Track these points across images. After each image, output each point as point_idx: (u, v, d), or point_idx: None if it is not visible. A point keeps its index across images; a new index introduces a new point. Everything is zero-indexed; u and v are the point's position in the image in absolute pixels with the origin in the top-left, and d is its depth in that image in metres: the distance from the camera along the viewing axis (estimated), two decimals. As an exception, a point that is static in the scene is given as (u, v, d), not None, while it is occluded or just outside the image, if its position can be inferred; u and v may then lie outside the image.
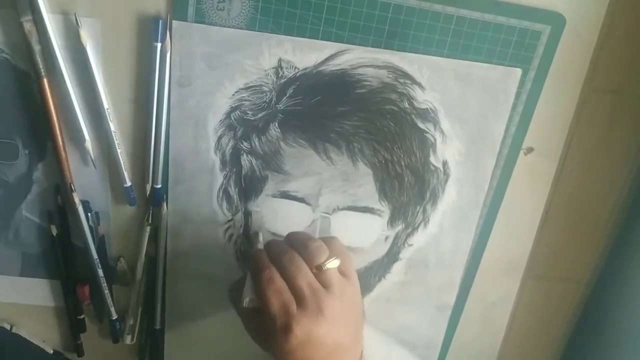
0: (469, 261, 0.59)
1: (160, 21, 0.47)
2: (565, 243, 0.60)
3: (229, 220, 0.56)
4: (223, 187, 0.54)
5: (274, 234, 0.56)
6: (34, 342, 0.61)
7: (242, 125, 0.52)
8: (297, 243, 0.48)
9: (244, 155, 0.53)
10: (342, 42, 0.49)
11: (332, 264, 0.47)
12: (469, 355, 0.65)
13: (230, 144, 0.52)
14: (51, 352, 0.62)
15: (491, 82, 0.52)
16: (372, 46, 0.49)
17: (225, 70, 0.49)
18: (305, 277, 0.45)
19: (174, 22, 0.47)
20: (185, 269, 0.58)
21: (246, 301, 0.46)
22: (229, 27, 0.48)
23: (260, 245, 0.53)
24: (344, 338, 0.46)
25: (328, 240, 0.49)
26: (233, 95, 0.50)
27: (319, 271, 0.46)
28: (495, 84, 0.52)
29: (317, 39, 0.49)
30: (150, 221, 0.55)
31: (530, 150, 0.55)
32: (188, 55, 0.49)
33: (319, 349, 0.45)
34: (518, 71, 0.51)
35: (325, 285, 0.45)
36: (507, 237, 0.59)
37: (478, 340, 0.65)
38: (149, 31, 0.48)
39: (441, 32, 0.50)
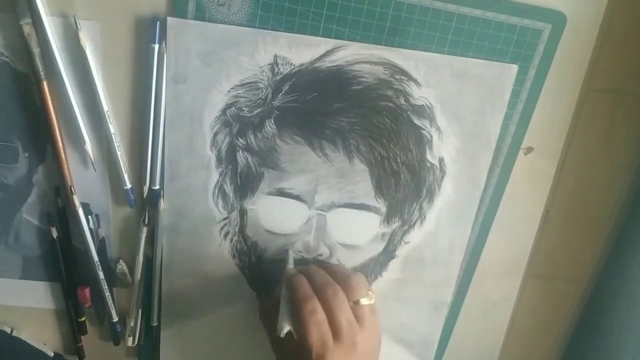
0: (468, 260, 0.59)
1: (158, 22, 0.47)
2: (566, 242, 0.60)
3: (225, 218, 0.56)
4: (219, 184, 0.54)
5: (269, 231, 0.56)
6: (34, 345, 0.61)
7: (238, 122, 0.52)
8: (339, 276, 0.50)
9: (240, 151, 0.53)
10: (342, 39, 0.49)
11: (367, 300, 0.49)
12: (469, 355, 0.65)
13: (226, 141, 0.52)
14: (52, 355, 0.62)
15: (487, 78, 0.52)
16: (372, 43, 0.50)
17: (221, 66, 0.50)
18: (345, 313, 0.48)
19: (169, 19, 0.48)
20: (181, 267, 0.58)
21: (283, 332, 0.48)
22: (230, 23, 0.48)
23: (291, 265, 0.54)
24: None
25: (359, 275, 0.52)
26: (228, 91, 0.51)
27: (355, 306, 0.49)
28: (491, 80, 0.52)
29: (318, 35, 0.49)
30: (147, 222, 0.55)
31: (530, 149, 0.55)
32: (183, 52, 0.49)
33: None
34: (514, 67, 0.51)
35: (358, 319, 0.48)
36: (507, 237, 0.59)
37: (479, 340, 0.65)
38: (147, 32, 0.48)
39: (442, 29, 0.50)
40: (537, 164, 0.56)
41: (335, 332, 0.47)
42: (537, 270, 0.61)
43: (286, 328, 0.48)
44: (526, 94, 0.53)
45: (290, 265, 0.54)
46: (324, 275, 0.50)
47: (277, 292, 0.53)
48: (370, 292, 0.50)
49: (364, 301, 0.49)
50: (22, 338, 0.60)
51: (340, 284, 0.49)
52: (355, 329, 0.48)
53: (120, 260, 0.57)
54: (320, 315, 0.47)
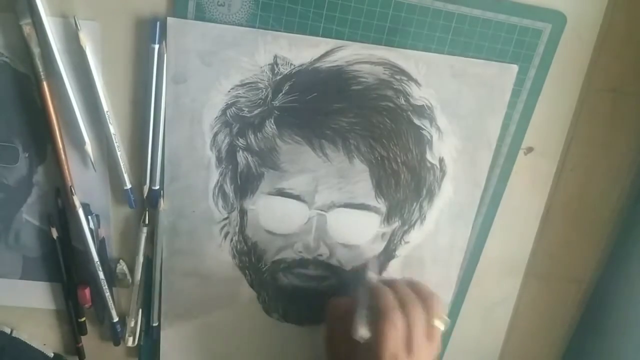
0: (468, 260, 0.59)
1: (158, 22, 0.47)
2: (566, 242, 0.60)
3: (225, 219, 0.56)
4: (219, 184, 0.54)
5: (270, 232, 0.56)
6: (34, 345, 0.61)
7: (238, 122, 0.52)
8: (421, 293, 0.51)
9: (240, 152, 0.53)
10: (342, 39, 0.49)
11: (440, 324, 0.50)
12: (470, 355, 0.65)
13: (226, 141, 0.52)
14: (52, 355, 0.62)
15: (487, 78, 0.52)
16: (372, 43, 0.50)
17: (221, 66, 0.50)
18: (420, 330, 0.49)
19: (169, 19, 0.48)
20: (181, 267, 0.58)
21: (361, 337, 0.49)
22: (229, 23, 0.48)
23: (374, 272, 0.55)
24: None
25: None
26: (229, 92, 0.51)
27: (428, 326, 0.50)
28: (492, 80, 0.52)
29: (318, 35, 0.49)
30: (147, 222, 0.55)
31: (530, 149, 0.55)
32: (183, 52, 0.49)
33: None
34: (514, 67, 0.51)
35: (429, 338, 0.49)
36: (507, 237, 0.59)
37: (479, 340, 0.65)
38: (147, 33, 0.48)
39: (442, 29, 0.50)
40: (537, 164, 0.56)
41: (409, 347, 0.48)
42: (537, 270, 0.61)
43: (367, 335, 0.49)
44: (526, 94, 0.53)
45: (373, 272, 0.55)
46: (407, 290, 0.51)
47: (353, 294, 0.54)
48: (444, 317, 0.51)
49: (437, 323, 0.50)
50: (22, 338, 0.60)
51: (421, 302, 0.50)
52: (425, 347, 0.49)
53: (121, 261, 0.57)
54: (401, 330, 0.48)
